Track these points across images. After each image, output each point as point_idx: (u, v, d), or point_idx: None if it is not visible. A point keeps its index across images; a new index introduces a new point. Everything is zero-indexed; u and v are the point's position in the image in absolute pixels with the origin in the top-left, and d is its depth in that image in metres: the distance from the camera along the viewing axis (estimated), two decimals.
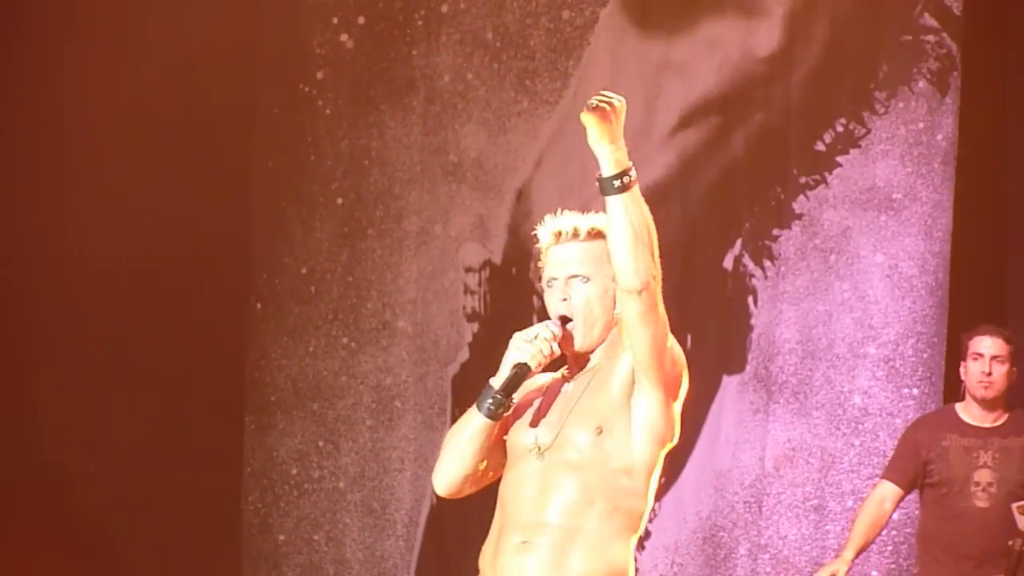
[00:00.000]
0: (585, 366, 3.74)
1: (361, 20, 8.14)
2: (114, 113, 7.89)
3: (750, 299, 7.81)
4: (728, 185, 7.81)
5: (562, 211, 3.88)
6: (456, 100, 8.16)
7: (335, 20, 8.18)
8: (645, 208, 3.52)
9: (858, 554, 6.52)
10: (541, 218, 3.78)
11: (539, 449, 3.74)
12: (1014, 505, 5.93)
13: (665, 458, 3.81)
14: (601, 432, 3.69)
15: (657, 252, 3.67)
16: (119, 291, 7.99)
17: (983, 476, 6.52)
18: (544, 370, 3.80)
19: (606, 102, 3.36)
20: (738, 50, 7.70)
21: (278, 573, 8.06)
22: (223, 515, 8.10)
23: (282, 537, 7.96)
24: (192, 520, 7.76)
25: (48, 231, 7.88)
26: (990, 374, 6.42)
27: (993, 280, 7.54)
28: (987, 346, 6.50)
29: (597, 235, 3.75)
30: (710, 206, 7.86)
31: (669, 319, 3.69)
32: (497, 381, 3.71)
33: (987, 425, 6.53)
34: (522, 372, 3.74)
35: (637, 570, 3.82)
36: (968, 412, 6.49)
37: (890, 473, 6.65)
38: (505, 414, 3.71)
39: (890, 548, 7.21)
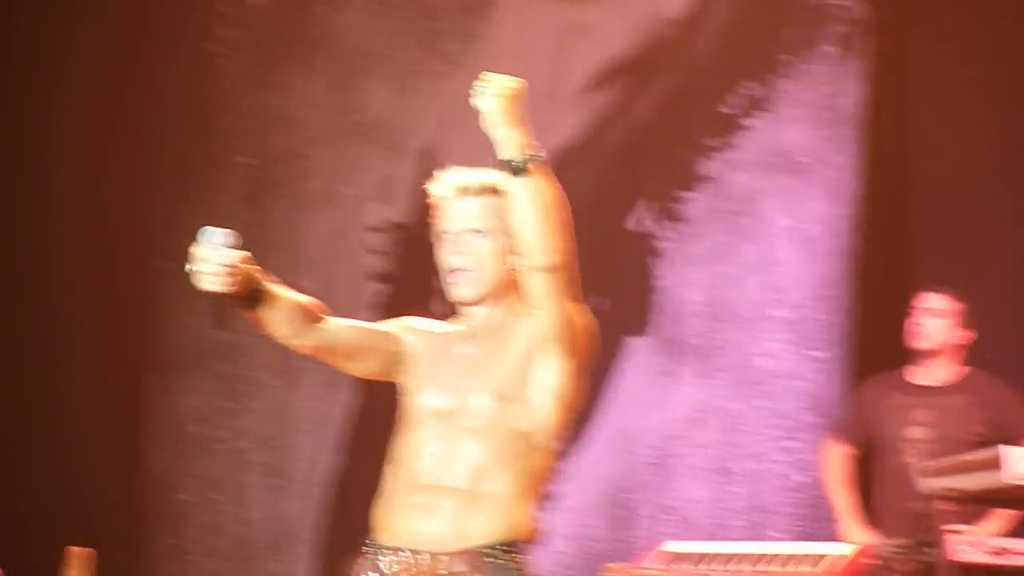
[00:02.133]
0: (480, 323, 3.80)
1: None
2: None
3: (656, 262, 8.07)
4: (635, 147, 8.04)
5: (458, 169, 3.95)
6: (360, 59, 8.33)
7: None
8: (553, 185, 3.58)
9: (857, 518, 6.78)
10: None
11: (441, 413, 3.76)
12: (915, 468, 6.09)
13: (570, 420, 3.91)
14: (505, 398, 3.72)
15: (572, 225, 3.71)
16: (19, 249, 8.08)
17: (914, 433, 6.68)
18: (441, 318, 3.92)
19: (503, 89, 3.36)
20: (646, 13, 7.93)
21: (179, 533, 8.24)
22: (123, 475, 8.19)
23: (183, 497, 8.12)
24: (91, 480, 7.87)
25: None
26: (919, 325, 6.65)
27: (902, 244, 7.73)
28: (923, 300, 6.74)
29: (493, 191, 3.77)
30: (618, 168, 8.11)
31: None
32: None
33: (931, 384, 6.72)
34: (221, 303, 3.74)
35: (543, 532, 3.85)
36: (914, 372, 6.74)
37: (838, 433, 6.91)
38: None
39: (790, 511, 7.42)
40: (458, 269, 3.70)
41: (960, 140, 8.11)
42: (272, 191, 8.26)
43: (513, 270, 3.76)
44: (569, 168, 7.67)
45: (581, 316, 3.74)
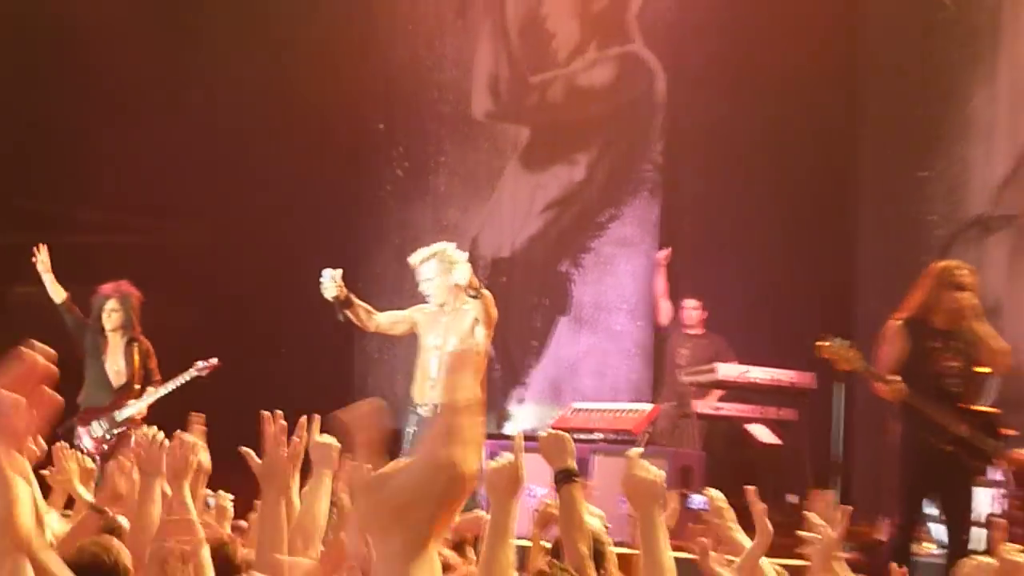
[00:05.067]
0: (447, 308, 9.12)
1: None
2: None
3: (572, 283, 13.51)
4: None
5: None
6: None
7: None
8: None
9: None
10: None
11: (434, 347, 9.09)
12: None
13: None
14: (463, 340, 8.93)
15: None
16: None
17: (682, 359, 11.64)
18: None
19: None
20: None
21: None
22: None
23: None
24: None
25: None
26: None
27: None
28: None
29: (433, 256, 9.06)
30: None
31: None
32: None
33: (693, 333, 11.57)
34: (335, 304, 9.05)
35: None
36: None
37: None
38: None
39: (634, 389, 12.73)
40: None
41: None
42: None
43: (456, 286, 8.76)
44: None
45: (491, 305, 8.90)
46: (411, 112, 14.28)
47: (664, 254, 12.08)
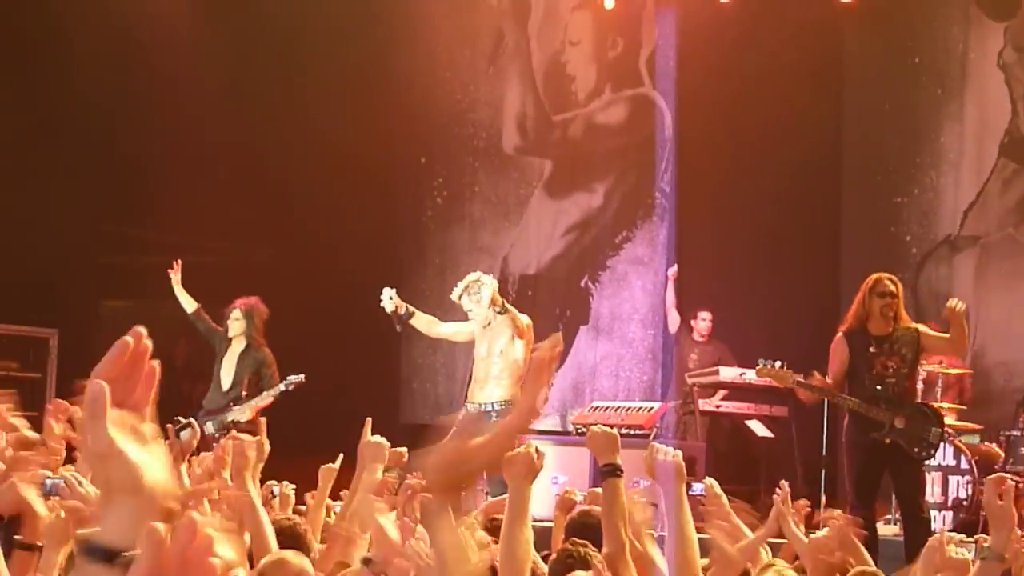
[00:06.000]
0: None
1: None
2: None
3: (591, 296, 13.52)
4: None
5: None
6: None
7: None
8: None
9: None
10: None
11: (483, 355, 9.35)
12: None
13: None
14: (504, 351, 9.34)
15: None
16: None
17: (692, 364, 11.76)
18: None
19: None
20: None
21: None
22: None
23: None
24: None
25: None
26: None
27: None
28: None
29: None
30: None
31: None
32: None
33: (699, 339, 11.70)
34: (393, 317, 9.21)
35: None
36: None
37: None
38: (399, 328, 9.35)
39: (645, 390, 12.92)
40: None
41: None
42: None
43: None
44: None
45: (517, 317, 9.02)
46: (449, 147, 14.29)
47: (674, 271, 12.05)
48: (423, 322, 9.39)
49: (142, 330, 1.65)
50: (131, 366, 1.65)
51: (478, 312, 9.23)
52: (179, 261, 10.31)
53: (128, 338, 1.64)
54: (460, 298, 9.31)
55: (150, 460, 1.63)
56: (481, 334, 9.37)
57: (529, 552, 3.59)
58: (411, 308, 9.30)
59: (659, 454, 4.03)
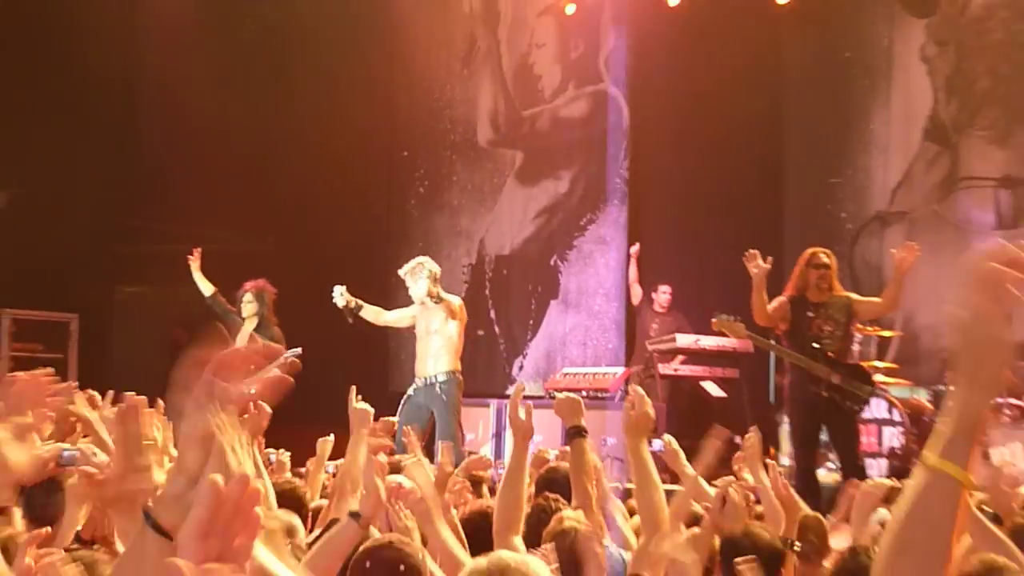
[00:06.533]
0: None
1: None
2: None
3: (559, 273, 13.38)
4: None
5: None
6: None
7: None
8: None
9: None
10: None
11: (423, 333, 9.28)
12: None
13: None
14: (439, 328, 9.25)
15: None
16: None
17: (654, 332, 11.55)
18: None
19: None
20: None
21: None
22: None
23: None
24: None
25: None
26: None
27: None
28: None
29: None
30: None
31: None
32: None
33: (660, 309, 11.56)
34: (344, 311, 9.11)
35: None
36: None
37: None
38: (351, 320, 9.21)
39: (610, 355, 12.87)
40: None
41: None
42: None
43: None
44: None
45: (453, 305, 8.87)
46: (429, 142, 14.30)
47: (636, 249, 11.95)
48: (371, 313, 9.31)
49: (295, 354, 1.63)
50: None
51: (413, 292, 9.17)
52: (199, 249, 10.22)
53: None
54: (404, 275, 9.24)
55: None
56: (420, 314, 9.30)
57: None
58: (360, 302, 9.24)
59: (628, 407, 3.98)
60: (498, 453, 10.38)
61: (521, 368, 13.67)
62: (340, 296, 9.19)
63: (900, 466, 9.56)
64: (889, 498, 4.57)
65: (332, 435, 5.69)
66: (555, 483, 4.70)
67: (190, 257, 10.18)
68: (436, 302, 9.18)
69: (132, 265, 12.94)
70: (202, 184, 12.49)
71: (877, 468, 9.62)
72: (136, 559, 1.75)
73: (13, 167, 12.11)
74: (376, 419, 4.90)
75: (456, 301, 9.39)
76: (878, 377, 9.80)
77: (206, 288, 10.11)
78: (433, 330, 9.33)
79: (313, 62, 12.95)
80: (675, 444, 5.01)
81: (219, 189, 12.60)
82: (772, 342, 8.52)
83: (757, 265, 8.26)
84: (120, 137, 12.85)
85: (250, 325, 9.96)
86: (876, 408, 9.80)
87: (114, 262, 12.99)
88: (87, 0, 12.17)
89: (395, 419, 6.77)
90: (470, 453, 8.86)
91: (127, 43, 12.42)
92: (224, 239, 12.46)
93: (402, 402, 9.16)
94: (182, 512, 1.63)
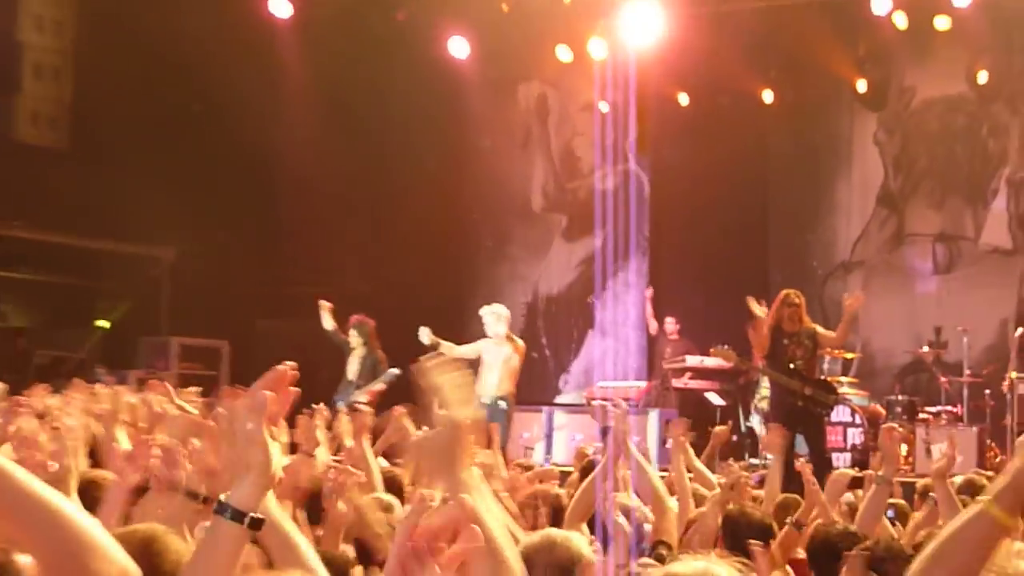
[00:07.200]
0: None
1: None
2: None
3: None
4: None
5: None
6: None
7: None
8: None
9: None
10: None
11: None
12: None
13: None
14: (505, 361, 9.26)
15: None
16: None
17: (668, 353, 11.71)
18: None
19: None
20: None
21: None
22: None
23: None
24: None
25: None
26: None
27: None
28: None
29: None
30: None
31: None
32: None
33: (672, 337, 11.46)
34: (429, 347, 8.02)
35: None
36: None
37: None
38: None
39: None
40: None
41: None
42: None
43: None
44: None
45: (522, 347, 9.02)
46: (494, 208, 14.33)
47: (650, 292, 12.25)
48: (446, 348, 9.16)
49: (289, 365, 1.65)
50: (277, 385, 1.66)
51: (492, 330, 9.39)
52: (330, 304, 10.26)
53: (283, 369, 1.64)
54: (486, 315, 9.43)
55: (275, 451, 1.65)
56: (488, 347, 9.45)
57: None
58: (439, 340, 9.26)
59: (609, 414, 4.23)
60: (548, 450, 10.56)
61: (566, 382, 13.87)
62: (425, 336, 9.32)
63: (860, 459, 9.82)
64: (851, 484, 4.89)
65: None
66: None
67: (325, 302, 10.25)
68: (508, 340, 9.60)
69: (270, 303, 13.29)
70: (323, 240, 12.92)
71: (842, 460, 10.10)
72: (210, 550, 1.66)
73: (181, 229, 12.62)
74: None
75: (521, 343, 9.85)
76: (842, 389, 10.10)
77: (328, 323, 10.16)
78: (501, 360, 9.53)
79: (411, 150, 13.15)
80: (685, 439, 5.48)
81: (336, 244, 13.03)
82: (757, 366, 8.92)
83: (760, 311, 8.56)
84: (261, 200, 13.18)
85: (359, 350, 10.04)
86: (840, 413, 10.06)
87: (255, 301, 13.35)
88: (239, 84, 11.98)
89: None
90: (527, 450, 9.85)
91: (269, 124, 12.53)
92: (339, 283, 12.75)
93: None
94: (257, 497, 1.62)
